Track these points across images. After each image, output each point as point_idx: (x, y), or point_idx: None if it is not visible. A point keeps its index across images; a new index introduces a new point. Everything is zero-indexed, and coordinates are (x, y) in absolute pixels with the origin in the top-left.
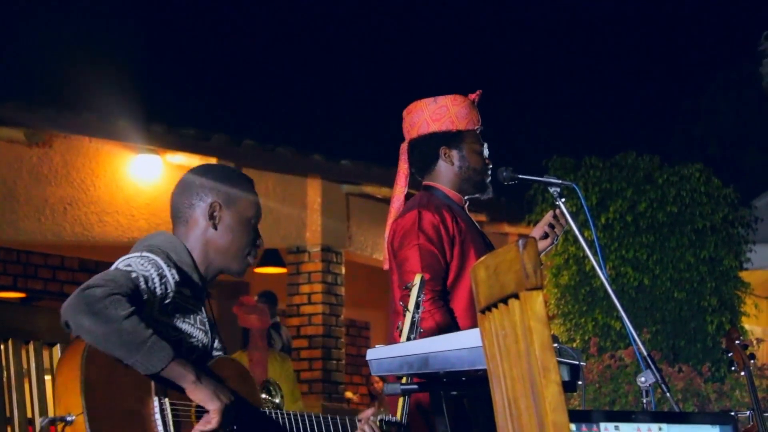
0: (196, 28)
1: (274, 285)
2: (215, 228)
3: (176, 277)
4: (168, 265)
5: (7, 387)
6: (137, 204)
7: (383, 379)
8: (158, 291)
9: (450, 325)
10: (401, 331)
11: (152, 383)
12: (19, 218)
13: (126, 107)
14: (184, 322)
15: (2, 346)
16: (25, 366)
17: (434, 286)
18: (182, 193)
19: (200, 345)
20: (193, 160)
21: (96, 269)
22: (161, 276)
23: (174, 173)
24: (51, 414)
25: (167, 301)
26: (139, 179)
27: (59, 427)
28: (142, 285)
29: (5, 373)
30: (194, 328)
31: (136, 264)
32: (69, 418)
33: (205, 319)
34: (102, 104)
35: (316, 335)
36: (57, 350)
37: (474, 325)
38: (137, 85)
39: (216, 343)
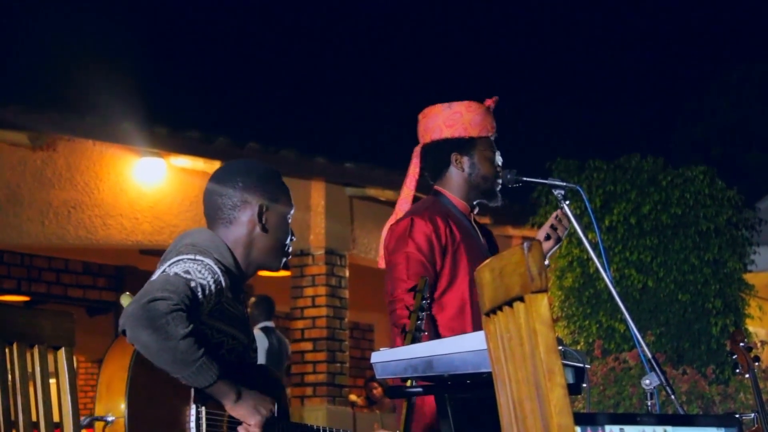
0: (199, 32)
1: (277, 288)
2: (265, 230)
3: (228, 282)
4: (221, 270)
5: (12, 391)
6: (141, 207)
7: (381, 384)
8: (213, 298)
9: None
10: (406, 333)
11: (192, 391)
12: (23, 221)
13: (129, 110)
14: (227, 324)
15: (7, 350)
16: (29, 370)
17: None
18: (224, 194)
19: (241, 346)
20: (197, 163)
21: (100, 272)
22: (216, 282)
23: (177, 176)
24: (53, 412)
25: (217, 305)
26: (142, 182)
27: (100, 426)
28: (200, 295)
29: (10, 376)
30: (235, 329)
31: (194, 271)
32: (109, 419)
33: (244, 318)
34: (105, 107)
35: (320, 338)
36: (61, 354)
37: (460, 333)
38: (140, 88)
39: (254, 344)
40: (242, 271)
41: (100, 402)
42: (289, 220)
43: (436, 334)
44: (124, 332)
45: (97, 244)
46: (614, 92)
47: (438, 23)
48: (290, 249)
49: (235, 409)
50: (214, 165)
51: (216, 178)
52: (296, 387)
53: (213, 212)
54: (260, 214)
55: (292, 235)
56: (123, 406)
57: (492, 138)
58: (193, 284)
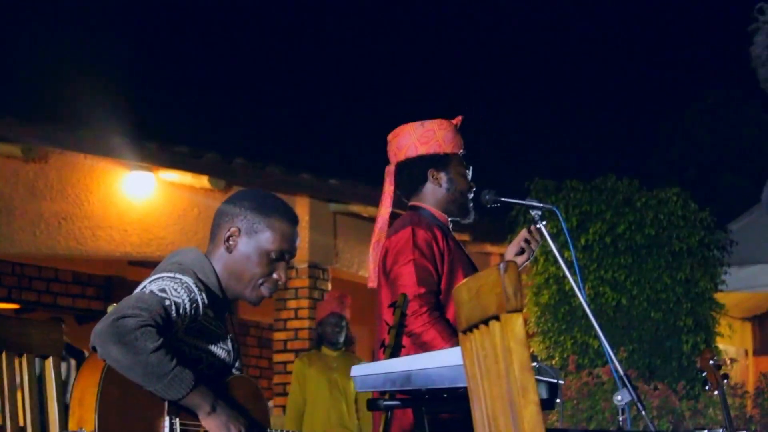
0: (190, 50)
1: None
2: (230, 252)
3: (205, 300)
4: (199, 289)
5: (1, 398)
6: (130, 219)
7: None
8: (188, 315)
9: (450, 332)
10: (385, 348)
11: (165, 403)
12: (15, 231)
13: (120, 125)
14: (207, 342)
15: None
16: (18, 378)
17: (430, 298)
18: (219, 213)
19: (221, 363)
20: (185, 178)
21: (89, 282)
22: (192, 300)
23: (166, 190)
24: (50, 423)
25: (194, 323)
26: (132, 195)
27: None
28: (173, 313)
29: None
30: (217, 347)
31: (170, 289)
32: None
33: (228, 339)
34: (97, 122)
35: (302, 349)
36: (49, 363)
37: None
38: (131, 103)
39: (237, 363)
40: (223, 293)
41: (72, 417)
42: (271, 257)
43: (455, 332)
44: (94, 349)
45: (86, 254)
46: (592, 115)
47: (418, 47)
48: (267, 287)
49: (207, 422)
50: (202, 179)
51: (228, 198)
52: (279, 397)
53: (211, 230)
54: (228, 236)
55: (273, 274)
56: (94, 421)
57: (462, 155)
58: (167, 302)
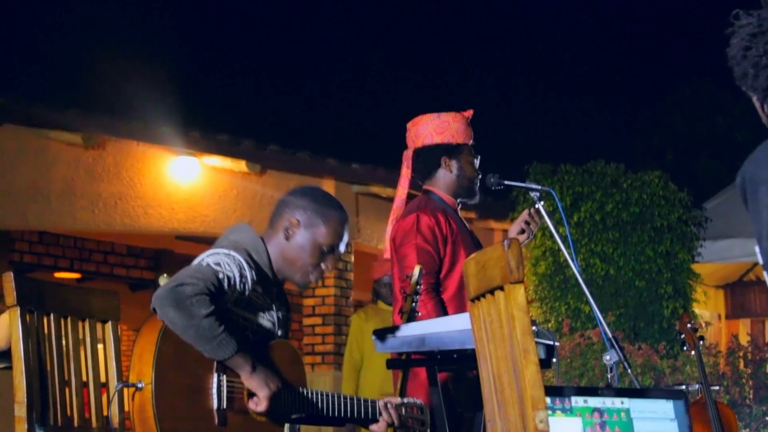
0: (228, 50)
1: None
2: (287, 239)
3: (254, 276)
4: (249, 266)
5: (66, 356)
6: (177, 199)
7: None
8: (237, 288)
9: (440, 312)
10: (402, 314)
11: (215, 362)
12: (76, 210)
13: (168, 116)
14: (253, 313)
15: (62, 322)
16: (81, 338)
17: (428, 279)
18: (282, 202)
19: (265, 331)
20: (226, 162)
21: (141, 254)
22: (242, 276)
23: (209, 173)
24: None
25: (244, 296)
26: (178, 178)
27: (130, 391)
28: (225, 285)
29: (65, 344)
30: (263, 318)
31: (224, 263)
32: (139, 385)
33: (274, 313)
34: (148, 113)
35: (328, 314)
36: (108, 327)
37: (460, 309)
38: (177, 96)
39: (280, 333)
40: (274, 273)
41: (132, 371)
42: (323, 250)
43: (444, 312)
44: (155, 310)
45: (139, 230)
46: (583, 106)
47: (428, 47)
48: (315, 274)
49: (249, 381)
50: (240, 164)
51: (290, 191)
52: (308, 356)
53: (272, 215)
54: (288, 227)
55: (321, 264)
56: (151, 374)
57: (471, 144)
58: (220, 275)
